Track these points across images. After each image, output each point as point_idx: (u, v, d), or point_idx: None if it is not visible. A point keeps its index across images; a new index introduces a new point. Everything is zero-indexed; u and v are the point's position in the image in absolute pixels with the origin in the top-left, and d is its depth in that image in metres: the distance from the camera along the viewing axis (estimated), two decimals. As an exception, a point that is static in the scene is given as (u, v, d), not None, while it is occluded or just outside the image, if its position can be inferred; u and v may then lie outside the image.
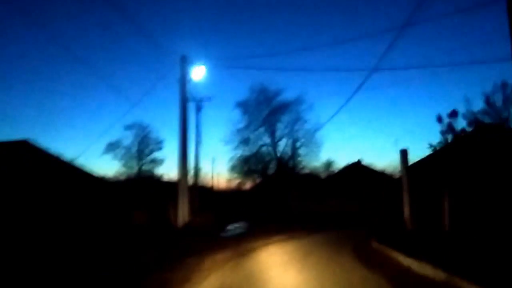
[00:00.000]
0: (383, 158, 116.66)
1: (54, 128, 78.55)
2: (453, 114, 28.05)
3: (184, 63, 22.91)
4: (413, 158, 21.45)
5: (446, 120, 27.91)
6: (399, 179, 21.10)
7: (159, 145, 53.92)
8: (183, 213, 20.49)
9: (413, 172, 19.47)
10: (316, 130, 45.06)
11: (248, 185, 57.04)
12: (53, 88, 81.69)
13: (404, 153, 19.45)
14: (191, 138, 26.97)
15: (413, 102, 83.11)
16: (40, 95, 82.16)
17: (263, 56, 77.82)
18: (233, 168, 50.55)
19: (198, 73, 23.72)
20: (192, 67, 23.37)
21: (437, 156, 24.42)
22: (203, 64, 23.91)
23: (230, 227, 25.24)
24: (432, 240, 14.01)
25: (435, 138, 34.06)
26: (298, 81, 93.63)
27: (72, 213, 19.10)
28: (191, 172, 27.91)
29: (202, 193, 42.93)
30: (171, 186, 25.81)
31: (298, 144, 47.55)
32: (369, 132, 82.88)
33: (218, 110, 76.65)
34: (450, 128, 27.95)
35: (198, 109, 33.29)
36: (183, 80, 22.61)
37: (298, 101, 46.57)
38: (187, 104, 22.97)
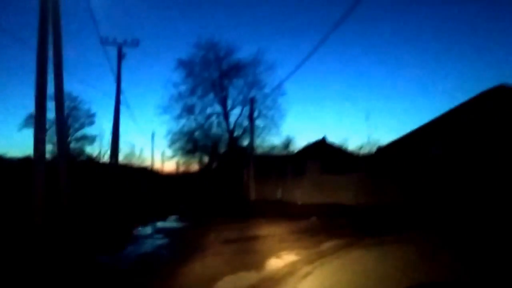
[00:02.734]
0: (357, 137, 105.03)
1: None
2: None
3: None
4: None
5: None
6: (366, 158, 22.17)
7: (90, 119, 44.04)
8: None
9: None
10: (276, 93, 35.40)
11: (195, 166, 47.46)
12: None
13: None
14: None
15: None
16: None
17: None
18: (173, 143, 39.94)
19: None
20: None
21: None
22: None
23: (140, 231, 14.63)
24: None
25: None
26: (255, 37, 77.43)
27: None
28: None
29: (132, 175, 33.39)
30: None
31: (255, 114, 36.87)
32: (338, 107, 72.35)
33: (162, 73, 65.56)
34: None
35: (120, 56, 24.83)
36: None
37: (255, 61, 36.38)
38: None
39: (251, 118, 31.85)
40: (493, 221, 12.68)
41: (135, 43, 25.37)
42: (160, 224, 17.27)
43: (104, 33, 24.80)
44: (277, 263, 8.08)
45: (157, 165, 55.82)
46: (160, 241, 12.14)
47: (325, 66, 70.67)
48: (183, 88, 37.03)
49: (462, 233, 11.18)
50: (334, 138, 47.09)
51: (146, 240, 12.25)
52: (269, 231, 12.75)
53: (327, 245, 9.65)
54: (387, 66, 70.32)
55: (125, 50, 24.86)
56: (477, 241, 9.74)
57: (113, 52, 24.70)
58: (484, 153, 17.17)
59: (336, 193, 21.30)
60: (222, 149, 41.23)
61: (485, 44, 65.85)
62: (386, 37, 70.61)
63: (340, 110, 76.27)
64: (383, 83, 69.13)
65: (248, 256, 8.80)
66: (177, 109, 37.55)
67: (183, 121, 38.32)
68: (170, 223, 17.93)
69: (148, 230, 14.95)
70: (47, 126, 11.17)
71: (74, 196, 12.91)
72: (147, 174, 44.95)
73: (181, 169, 51.46)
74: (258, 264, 7.97)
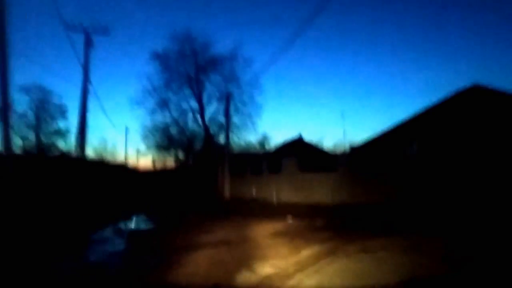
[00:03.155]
0: (332, 135, 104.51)
1: None
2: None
3: None
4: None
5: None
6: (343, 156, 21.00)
7: (63, 113, 41.67)
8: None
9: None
10: (253, 89, 34.16)
11: (171, 162, 45.70)
12: None
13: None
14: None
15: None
16: None
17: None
18: (147, 139, 38.21)
19: None
20: None
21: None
22: None
23: (101, 234, 12.79)
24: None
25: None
26: (233, 31, 75.78)
27: None
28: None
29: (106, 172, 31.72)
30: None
31: (231, 110, 35.40)
32: (314, 106, 71.39)
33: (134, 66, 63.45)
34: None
35: (88, 43, 23.44)
36: None
37: (232, 56, 34.95)
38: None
39: (226, 114, 30.50)
40: (478, 219, 11.99)
41: (105, 31, 24.17)
42: (125, 225, 15.85)
43: (75, 22, 23.13)
44: (249, 278, 6.84)
45: (132, 162, 53.72)
46: (118, 246, 10.74)
47: (301, 65, 69.84)
48: (157, 81, 35.36)
49: (446, 234, 10.20)
50: (310, 137, 46.44)
51: (101, 246, 10.80)
52: (242, 234, 11.54)
53: (306, 252, 8.48)
54: (364, 64, 70.12)
55: (94, 38, 23.56)
56: (465, 242, 8.83)
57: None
58: (460, 151, 16.91)
59: (313, 191, 20.27)
60: (198, 145, 39.70)
61: (461, 43, 66.24)
62: (364, 35, 70.35)
63: (316, 108, 75.74)
64: (359, 81, 68.98)
65: (215, 268, 7.51)
66: (151, 103, 35.85)
67: (157, 116, 36.63)
68: (137, 223, 16.53)
69: (109, 232, 13.53)
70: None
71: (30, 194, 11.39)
72: (121, 171, 43.09)
73: (158, 165, 49.53)
74: (226, 278, 6.76)
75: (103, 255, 9.57)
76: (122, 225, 15.66)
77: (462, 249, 8.52)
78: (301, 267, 7.20)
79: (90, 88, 24.10)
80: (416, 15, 66.45)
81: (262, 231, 12.14)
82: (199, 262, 8.00)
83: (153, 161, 51.96)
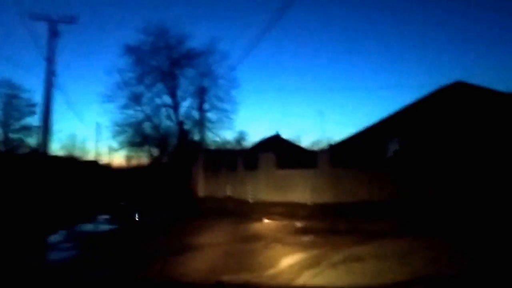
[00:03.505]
0: (311, 132, 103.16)
1: None
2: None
3: None
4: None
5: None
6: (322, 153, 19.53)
7: (31, 108, 39.53)
8: None
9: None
10: (229, 85, 32.92)
11: (145, 160, 43.82)
12: None
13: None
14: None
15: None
16: None
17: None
18: (118, 135, 36.31)
19: None
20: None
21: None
22: None
23: (56, 237, 11.02)
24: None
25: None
26: (210, 25, 72.95)
27: None
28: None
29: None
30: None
31: (206, 106, 33.92)
32: (292, 103, 70.06)
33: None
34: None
35: (53, 32, 22.23)
36: None
37: (208, 50, 33.51)
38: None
39: (200, 108, 29.11)
40: (467, 218, 11.04)
41: (72, 20, 22.93)
42: (85, 227, 14.24)
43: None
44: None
45: (105, 159, 51.46)
46: (68, 252, 9.15)
47: (280, 62, 68.57)
48: (129, 76, 33.58)
49: (441, 234, 9.05)
50: (288, 135, 45.35)
51: (48, 253, 9.22)
52: (211, 238, 10.10)
53: (286, 262, 7.07)
54: (344, 61, 69.37)
55: (60, 28, 22.37)
56: (463, 241, 7.69)
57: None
58: (442, 147, 16.35)
59: (292, 189, 18.91)
60: (172, 142, 38.07)
61: (444, 40, 66.06)
62: (345, 31, 69.53)
63: (295, 106, 74.64)
64: (338, 79, 68.16)
65: None
66: (123, 98, 34.03)
67: (129, 112, 34.85)
68: (98, 225, 14.92)
69: (64, 236, 11.88)
70: None
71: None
72: (92, 168, 41.14)
73: (133, 163, 47.47)
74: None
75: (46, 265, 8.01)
76: (84, 227, 14.10)
77: (461, 248, 7.44)
78: (277, 285, 5.80)
79: (56, 81, 22.65)
80: (397, 10, 66.11)
81: (235, 234, 10.73)
82: (149, 276, 6.52)
83: (127, 159, 49.89)
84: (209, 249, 8.68)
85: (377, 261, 7.05)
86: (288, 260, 7.23)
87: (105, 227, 14.49)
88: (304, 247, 8.33)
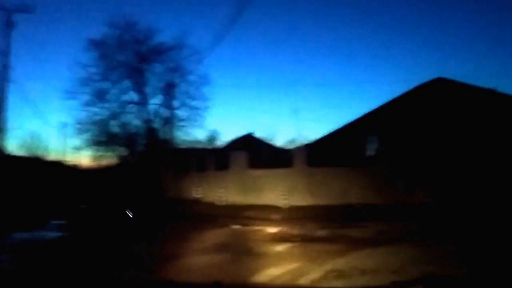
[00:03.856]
0: (286, 131, 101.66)
1: None
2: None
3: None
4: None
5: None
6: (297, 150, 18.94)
7: None
8: None
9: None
10: (200, 82, 31.08)
11: (112, 160, 41.64)
12: None
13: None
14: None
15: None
16: None
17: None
18: (82, 133, 33.96)
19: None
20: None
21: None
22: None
23: None
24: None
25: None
26: (181, 19, 70.92)
27: None
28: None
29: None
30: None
31: (176, 104, 32.16)
32: (266, 101, 68.39)
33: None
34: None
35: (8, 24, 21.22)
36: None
37: (178, 45, 31.68)
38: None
39: (170, 106, 27.43)
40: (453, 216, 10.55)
41: (28, 10, 21.69)
42: (30, 234, 12.37)
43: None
44: None
45: (72, 159, 48.63)
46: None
47: (253, 60, 67.06)
48: (93, 70, 31.43)
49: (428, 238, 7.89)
50: (262, 133, 43.96)
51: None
52: (171, 248, 8.57)
53: (255, 281, 5.68)
54: (320, 58, 68.41)
55: (15, 18, 21.45)
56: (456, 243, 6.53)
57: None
58: (422, 143, 15.96)
59: (265, 191, 17.55)
60: (141, 141, 36.12)
61: (425, 36, 65.82)
62: (319, 28, 68.58)
63: (269, 104, 73.07)
64: (314, 77, 66.98)
65: None
66: (86, 94, 31.84)
67: (93, 109, 32.65)
68: (46, 232, 13.11)
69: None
70: None
71: None
72: (55, 169, 38.70)
73: (103, 163, 45.01)
74: None
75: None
76: (28, 234, 12.29)
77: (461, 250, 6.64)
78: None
79: (11, 75, 21.10)
80: (374, 5, 65.53)
81: (200, 242, 9.24)
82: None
83: (93, 159, 47.38)
84: (165, 262, 7.12)
85: (362, 276, 5.76)
86: (258, 278, 5.81)
87: (52, 234, 12.69)
88: (278, 259, 6.95)
